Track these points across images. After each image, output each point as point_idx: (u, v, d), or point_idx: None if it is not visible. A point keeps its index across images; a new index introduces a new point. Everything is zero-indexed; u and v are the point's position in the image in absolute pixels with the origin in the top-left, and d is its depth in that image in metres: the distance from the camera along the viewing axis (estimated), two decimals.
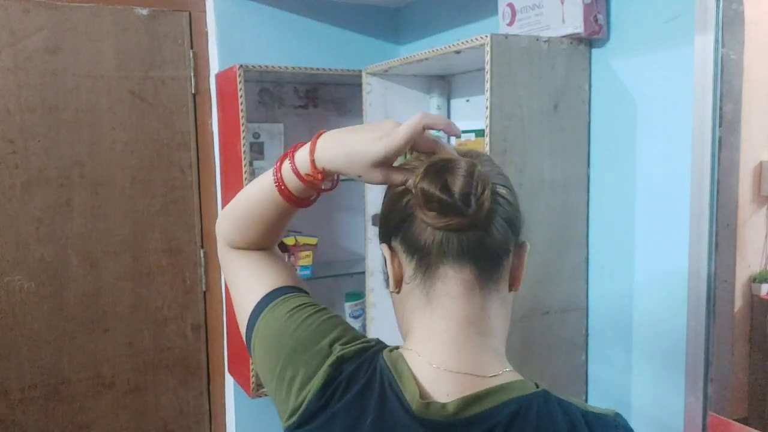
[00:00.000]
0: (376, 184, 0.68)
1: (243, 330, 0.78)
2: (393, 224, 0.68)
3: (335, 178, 0.74)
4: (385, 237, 0.71)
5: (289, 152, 0.73)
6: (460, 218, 0.62)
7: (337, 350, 0.68)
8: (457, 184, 0.61)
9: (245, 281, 0.80)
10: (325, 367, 0.67)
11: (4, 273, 1.94)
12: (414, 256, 0.67)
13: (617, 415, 0.67)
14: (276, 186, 0.73)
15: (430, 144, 0.66)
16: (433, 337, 0.66)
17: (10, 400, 1.97)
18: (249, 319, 0.77)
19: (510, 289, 0.70)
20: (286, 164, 0.72)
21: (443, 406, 0.62)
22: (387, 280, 0.72)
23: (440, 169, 0.63)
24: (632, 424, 0.70)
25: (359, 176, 0.67)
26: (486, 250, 0.65)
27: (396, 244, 0.69)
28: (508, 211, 0.67)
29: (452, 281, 0.66)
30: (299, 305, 0.75)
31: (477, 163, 0.64)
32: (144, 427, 2.16)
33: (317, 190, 0.74)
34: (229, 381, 2.24)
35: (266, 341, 0.74)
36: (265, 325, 0.75)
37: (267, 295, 0.77)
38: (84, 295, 2.04)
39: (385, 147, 0.64)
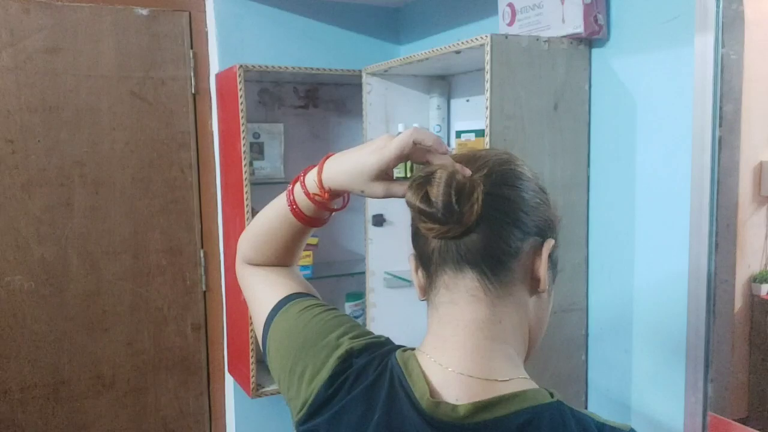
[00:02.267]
0: (380, 197, 0.70)
1: (260, 339, 0.81)
2: (412, 237, 0.71)
3: (345, 197, 0.77)
4: (413, 248, 0.73)
5: (300, 175, 0.76)
6: (448, 227, 0.63)
7: (346, 343, 0.70)
8: (437, 195, 0.62)
9: (260, 293, 0.83)
10: (333, 359, 0.68)
11: (4, 273, 1.94)
12: (423, 266, 0.69)
13: (632, 430, 0.66)
14: (289, 207, 0.77)
15: (423, 155, 0.68)
16: (443, 342, 0.66)
17: (10, 400, 1.97)
18: (264, 326, 0.80)
19: (533, 292, 0.68)
20: (298, 186, 0.76)
21: (454, 408, 0.61)
22: None
23: (423, 180, 0.64)
24: (632, 425, 0.70)
25: (362, 191, 0.70)
26: (486, 255, 0.65)
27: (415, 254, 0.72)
28: (512, 212, 0.65)
29: (454, 288, 0.66)
30: (309, 305, 0.78)
31: (457, 172, 0.64)
32: (144, 427, 2.16)
33: (328, 210, 0.77)
34: (229, 381, 2.24)
35: (279, 342, 0.76)
36: (277, 328, 0.77)
37: (279, 302, 0.80)
38: (84, 295, 2.04)
39: (378, 160, 0.67)
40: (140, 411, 2.15)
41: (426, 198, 0.63)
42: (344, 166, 0.71)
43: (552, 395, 0.64)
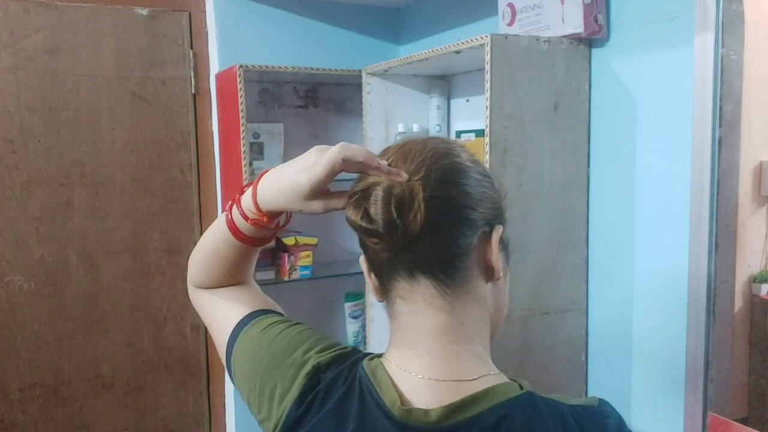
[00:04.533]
0: (319, 213, 0.68)
1: (223, 361, 0.78)
2: (360, 243, 0.69)
3: (287, 215, 0.75)
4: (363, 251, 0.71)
5: (237, 196, 0.74)
6: (393, 240, 0.61)
7: (313, 359, 0.68)
8: (376, 212, 0.60)
9: (219, 314, 0.81)
10: (301, 377, 0.67)
11: (4, 273, 1.94)
12: (375, 273, 0.68)
13: (601, 402, 0.66)
14: (230, 230, 0.74)
15: (357, 167, 0.65)
16: (409, 350, 0.65)
17: (10, 400, 1.97)
18: (227, 347, 0.77)
19: (488, 281, 0.66)
20: (235, 209, 0.73)
21: (426, 412, 0.60)
22: None
23: (361, 196, 0.62)
24: (632, 425, 0.70)
25: (300, 210, 0.68)
26: (438, 260, 0.63)
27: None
28: (457, 211, 0.63)
29: (411, 297, 0.64)
30: (272, 323, 0.75)
31: (394, 184, 0.61)
32: (143, 427, 2.16)
33: (273, 228, 0.75)
34: (229, 381, 2.23)
35: (243, 364, 0.74)
36: (240, 349, 0.75)
37: (240, 321, 0.77)
38: (84, 295, 2.04)
39: (309, 179, 0.65)
40: (140, 411, 2.15)
41: (366, 215, 0.61)
42: (277, 187, 0.68)
43: (522, 386, 0.63)
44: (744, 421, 1.26)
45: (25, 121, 1.94)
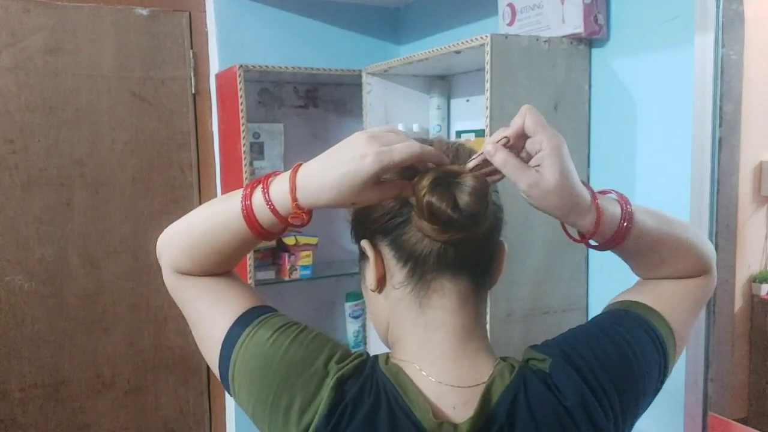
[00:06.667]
0: (372, 203, 0.63)
1: (215, 363, 0.71)
2: (380, 223, 0.66)
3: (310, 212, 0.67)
4: (367, 233, 0.68)
5: (259, 186, 0.66)
6: (465, 233, 0.61)
7: (334, 370, 0.64)
8: (467, 202, 0.59)
9: (208, 309, 0.73)
10: (327, 390, 0.62)
11: (4, 273, 1.94)
12: (407, 264, 0.65)
13: (551, 359, 0.68)
14: (245, 220, 0.66)
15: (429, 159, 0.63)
16: (430, 350, 0.65)
17: (10, 399, 1.97)
18: (221, 350, 0.69)
19: (488, 288, 0.70)
20: (259, 200, 0.65)
21: (456, 427, 0.61)
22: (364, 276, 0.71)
23: (449, 183, 0.60)
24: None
25: (353, 204, 0.62)
26: (480, 260, 0.66)
27: (383, 244, 0.67)
28: (498, 217, 0.67)
29: (449, 294, 0.65)
30: (281, 326, 0.68)
31: (482, 178, 0.61)
32: (144, 427, 2.16)
33: (293, 225, 0.67)
34: None
35: (251, 372, 0.67)
36: (246, 355, 0.67)
37: (237, 321, 0.70)
38: (84, 295, 2.04)
39: (372, 165, 0.59)
40: (140, 411, 2.15)
41: (455, 204, 0.59)
42: (326, 179, 0.61)
43: (513, 366, 0.65)
44: (744, 421, 1.26)
45: (25, 121, 1.94)
